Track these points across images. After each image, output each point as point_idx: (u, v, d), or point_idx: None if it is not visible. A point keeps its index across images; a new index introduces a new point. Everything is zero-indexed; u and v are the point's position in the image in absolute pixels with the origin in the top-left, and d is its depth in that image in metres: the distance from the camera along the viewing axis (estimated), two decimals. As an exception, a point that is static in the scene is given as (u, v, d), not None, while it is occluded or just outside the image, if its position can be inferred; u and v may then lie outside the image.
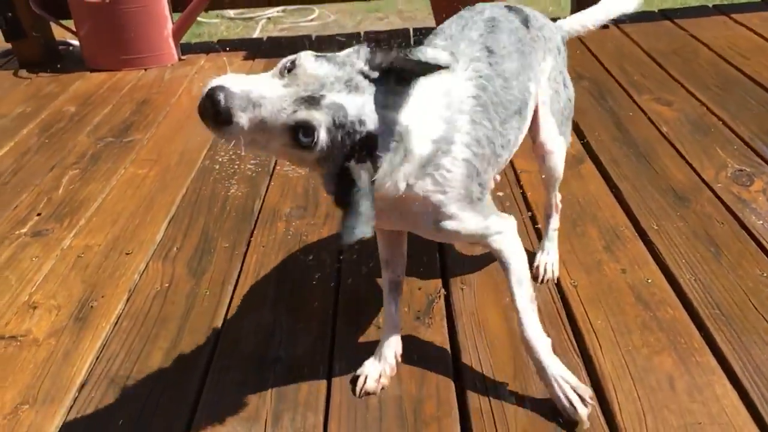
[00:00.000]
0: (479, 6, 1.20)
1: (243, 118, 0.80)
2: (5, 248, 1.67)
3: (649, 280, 1.37)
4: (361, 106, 0.84)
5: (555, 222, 1.44)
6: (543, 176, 1.36)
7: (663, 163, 1.81)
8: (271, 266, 1.53)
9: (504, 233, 1.07)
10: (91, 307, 1.44)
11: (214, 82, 0.80)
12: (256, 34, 4.74)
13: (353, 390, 1.17)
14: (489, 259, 1.45)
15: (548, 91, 1.24)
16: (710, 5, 3.12)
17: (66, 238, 1.69)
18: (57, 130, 2.32)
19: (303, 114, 0.81)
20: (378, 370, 1.17)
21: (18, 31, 2.87)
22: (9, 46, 2.99)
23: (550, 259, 1.41)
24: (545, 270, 1.40)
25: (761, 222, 1.52)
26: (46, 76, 2.81)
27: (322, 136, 0.82)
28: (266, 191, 1.84)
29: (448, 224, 1.00)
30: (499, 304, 1.33)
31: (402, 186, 0.93)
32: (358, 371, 1.18)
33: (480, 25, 1.13)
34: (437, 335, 1.28)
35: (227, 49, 3.07)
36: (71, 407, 1.19)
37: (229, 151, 2.05)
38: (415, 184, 0.94)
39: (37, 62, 2.90)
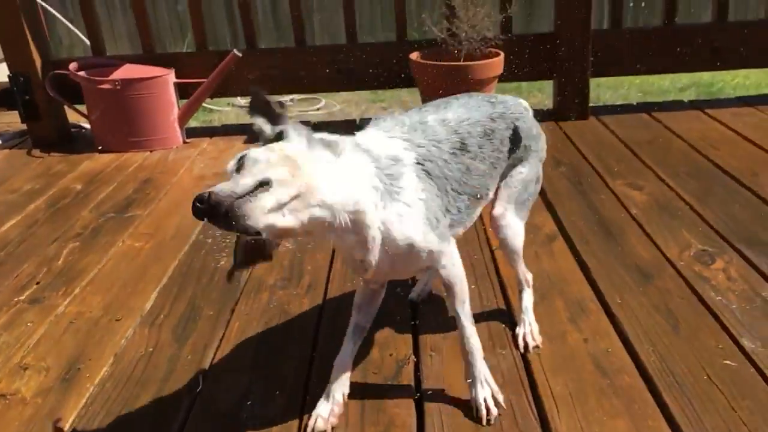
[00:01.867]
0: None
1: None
2: (3, 314, 1.75)
3: (609, 350, 1.44)
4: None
5: (527, 296, 1.53)
6: (502, 250, 1.46)
7: (630, 242, 1.91)
8: (252, 333, 1.60)
9: (452, 257, 1.22)
10: (78, 369, 1.51)
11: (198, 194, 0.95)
12: (260, 121, 4.96)
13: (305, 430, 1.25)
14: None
15: (517, 186, 1.39)
16: (686, 100, 3.32)
17: (61, 305, 1.78)
18: (63, 205, 2.45)
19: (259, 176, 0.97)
20: (327, 410, 1.27)
21: (34, 113, 3.06)
22: (25, 126, 3.17)
23: (529, 330, 1.49)
24: (526, 342, 1.47)
25: (719, 298, 1.60)
26: (57, 155, 2.98)
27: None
28: (254, 264, 1.93)
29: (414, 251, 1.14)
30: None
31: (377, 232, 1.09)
32: (313, 412, 1.27)
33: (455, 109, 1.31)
34: (404, 399, 1.34)
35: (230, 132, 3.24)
36: (50, 463, 1.24)
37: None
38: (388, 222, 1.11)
39: (50, 142, 3.08)
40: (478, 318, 1.38)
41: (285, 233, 1.01)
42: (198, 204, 0.93)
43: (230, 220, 0.93)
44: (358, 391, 1.35)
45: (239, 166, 1.00)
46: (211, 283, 1.84)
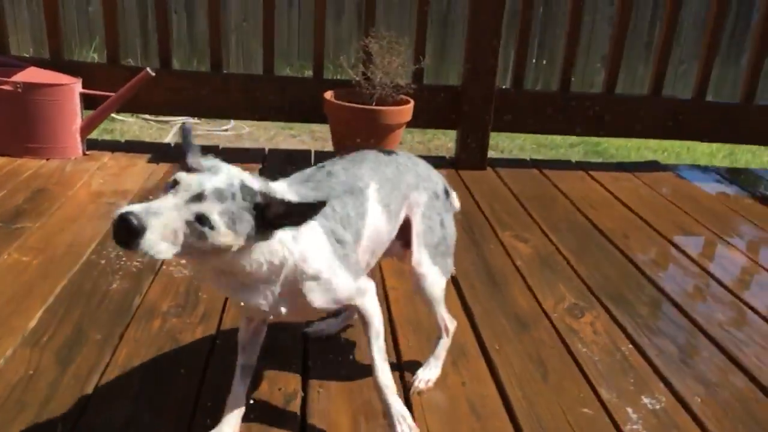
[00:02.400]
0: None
1: (152, 227, 0.95)
2: None
3: (485, 394, 1.55)
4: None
5: (443, 345, 1.59)
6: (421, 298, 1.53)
7: (512, 291, 2.06)
8: (140, 361, 1.59)
9: (368, 294, 1.31)
10: (-51, 389, 1.44)
11: (118, 211, 0.96)
12: (168, 139, 4.87)
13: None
14: (350, 367, 1.59)
15: (421, 225, 1.47)
16: (573, 161, 3.60)
17: (-67, 318, 1.69)
18: (-57, 210, 2.32)
19: (195, 208, 1.00)
20: None
21: None
22: None
23: (428, 375, 1.56)
24: (418, 385, 1.53)
25: (585, 350, 1.76)
26: (-58, 156, 2.82)
27: (218, 223, 1.01)
28: (148, 288, 1.92)
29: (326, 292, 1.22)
30: (351, 407, 1.46)
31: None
32: None
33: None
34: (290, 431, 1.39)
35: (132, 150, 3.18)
36: None
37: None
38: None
39: (-66, 141, 2.90)
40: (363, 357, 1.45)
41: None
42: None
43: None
44: (244, 424, 1.38)
45: (173, 185, 1.04)
46: (101, 306, 1.81)
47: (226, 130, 5.41)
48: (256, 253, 1.11)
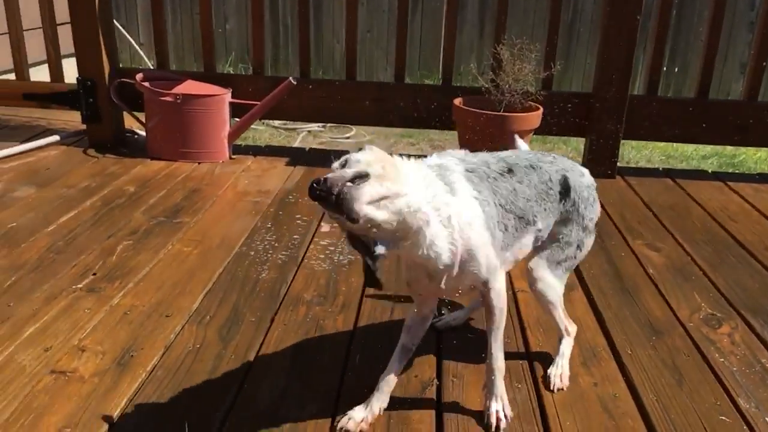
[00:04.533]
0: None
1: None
2: (63, 299, 1.92)
3: (616, 395, 1.57)
4: None
5: (566, 343, 1.65)
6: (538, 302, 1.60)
7: (645, 299, 2.04)
8: (290, 342, 1.75)
9: (501, 286, 1.39)
10: (132, 356, 1.66)
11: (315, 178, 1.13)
12: (295, 144, 5.18)
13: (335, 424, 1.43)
14: (480, 358, 1.67)
15: (555, 245, 1.54)
16: (710, 171, 3.46)
17: (116, 296, 1.94)
18: (116, 205, 2.63)
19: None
20: (362, 416, 1.42)
21: (95, 116, 3.28)
22: (83, 126, 3.38)
23: (558, 372, 1.61)
24: (554, 382, 1.59)
25: (722, 360, 1.72)
26: (112, 158, 3.18)
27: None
28: (293, 279, 2.09)
29: (478, 253, 1.31)
30: (482, 398, 1.53)
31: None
32: (347, 413, 1.43)
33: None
34: (425, 419, 1.48)
35: (273, 153, 3.43)
36: (106, 435, 1.39)
37: (265, 240, 2.34)
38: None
39: (105, 144, 3.28)
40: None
41: (376, 226, 1.16)
42: (315, 185, 1.11)
43: (339, 202, 1.10)
44: (384, 410, 1.49)
45: (344, 164, 1.18)
46: (253, 292, 2.00)
47: (348, 137, 5.67)
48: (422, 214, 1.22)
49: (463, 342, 1.78)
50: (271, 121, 5.58)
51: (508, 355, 1.70)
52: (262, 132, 5.48)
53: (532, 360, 1.70)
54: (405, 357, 1.49)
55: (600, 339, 1.81)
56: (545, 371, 1.63)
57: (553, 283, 1.55)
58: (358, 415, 1.43)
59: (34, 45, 3.39)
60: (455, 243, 1.27)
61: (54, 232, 2.35)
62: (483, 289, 1.39)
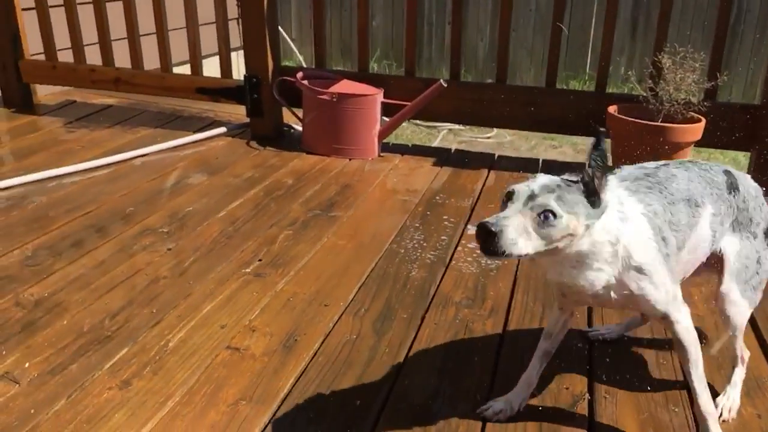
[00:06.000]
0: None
1: (506, 228, 1.14)
2: (234, 281, 2.11)
3: (783, 431, 1.49)
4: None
5: (738, 373, 1.59)
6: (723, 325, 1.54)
7: (817, 332, 1.90)
8: (440, 341, 1.82)
9: (685, 317, 1.35)
10: (295, 340, 1.81)
11: (474, 225, 1.16)
12: (436, 143, 5.26)
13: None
14: (635, 377, 1.64)
15: (736, 264, 1.47)
16: None
17: (279, 283, 2.11)
18: (277, 196, 2.83)
19: (534, 204, 1.16)
20: (500, 408, 1.50)
21: (258, 110, 3.53)
22: (246, 120, 3.65)
23: (729, 404, 1.56)
24: (724, 410, 1.55)
25: None
26: (272, 150, 3.41)
27: (558, 209, 1.16)
28: (441, 279, 2.16)
29: (646, 282, 1.28)
30: (638, 418, 1.52)
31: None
32: (489, 403, 1.52)
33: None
34: (577, 430, 1.49)
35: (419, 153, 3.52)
36: (276, 411, 1.53)
37: (414, 239, 2.42)
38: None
39: (266, 137, 3.53)
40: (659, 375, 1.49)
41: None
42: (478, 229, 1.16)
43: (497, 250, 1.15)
44: (536, 414, 1.52)
45: (508, 198, 1.21)
46: (404, 289, 2.09)
47: (488, 138, 5.66)
48: (594, 235, 1.22)
49: (616, 356, 1.76)
50: (429, 121, 5.68)
51: (666, 377, 1.67)
52: (404, 128, 5.61)
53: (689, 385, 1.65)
54: (546, 360, 1.51)
55: (765, 368, 1.72)
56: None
57: (743, 308, 1.49)
58: (497, 406, 1.51)
59: (204, 39, 3.68)
60: (618, 266, 1.27)
61: (224, 218, 2.58)
62: (664, 323, 1.36)
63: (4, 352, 1.71)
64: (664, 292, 1.31)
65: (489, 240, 1.14)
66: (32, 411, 1.51)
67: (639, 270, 1.27)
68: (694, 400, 1.39)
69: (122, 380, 1.62)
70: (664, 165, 1.43)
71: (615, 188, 1.31)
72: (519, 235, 1.14)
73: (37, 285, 2.04)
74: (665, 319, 1.34)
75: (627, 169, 1.42)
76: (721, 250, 1.46)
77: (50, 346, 1.74)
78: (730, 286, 1.46)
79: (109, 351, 1.73)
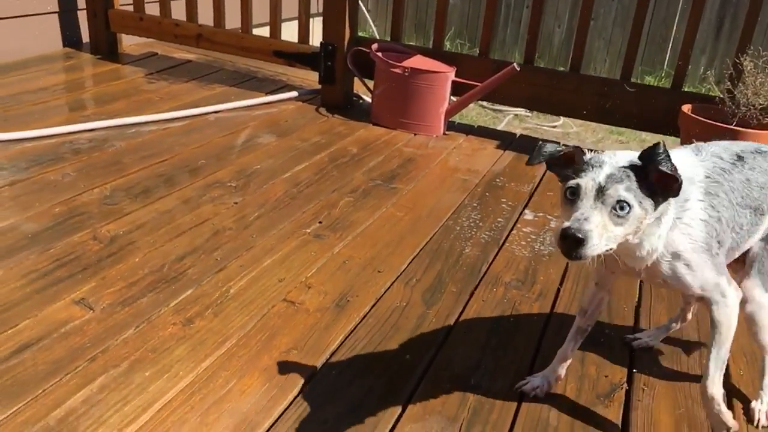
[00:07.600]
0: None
1: (591, 232, 1.14)
2: (294, 239, 2.21)
3: (823, 446, 1.49)
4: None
5: None
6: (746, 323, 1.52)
7: None
8: (487, 317, 1.87)
9: (727, 300, 1.33)
10: (348, 301, 1.89)
11: (563, 230, 1.15)
12: (500, 126, 5.23)
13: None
14: (675, 372, 1.66)
15: (762, 251, 1.44)
16: None
17: (336, 246, 2.19)
18: (341, 163, 2.91)
19: (606, 199, 1.16)
20: (537, 383, 1.55)
21: (330, 78, 3.60)
22: (317, 86, 3.74)
23: (765, 408, 1.56)
24: (759, 417, 1.55)
25: None
26: (339, 118, 3.49)
27: (630, 198, 1.16)
28: (493, 259, 2.20)
29: (684, 270, 1.29)
30: (674, 413, 1.54)
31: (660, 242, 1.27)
32: (527, 378, 1.57)
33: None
34: (611, 418, 1.53)
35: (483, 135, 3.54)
36: (324, 364, 1.62)
37: (470, 218, 2.47)
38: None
39: (335, 105, 3.61)
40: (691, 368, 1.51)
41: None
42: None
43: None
44: (572, 398, 1.56)
45: (573, 194, 1.20)
46: (456, 264, 2.14)
47: (554, 126, 5.59)
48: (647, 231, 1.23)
49: (658, 350, 1.78)
50: (498, 104, 5.66)
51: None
52: (470, 109, 5.59)
53: (731, 391, 1.66)
54: (580, 337, 1.53)
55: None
56: (745, 404, 1.59)
57: (762, 307, 1.45)
58: (535, 381, 1.56)
59: (285, 3, 3.76)
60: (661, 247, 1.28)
61: (289, 179, 2.67)
62: (702, 303, 1.37)
63: (81, 279, 1.86)
64: (702, 277, 1.31)
65: (575, 246, 1.14)
66: (104, 336, 1.64)
67: (679, 257, 1.29)
68: (702, 379, 1.38)
69: (186, 318, 1.74)
70: (739, 160, 1.37)
71: (692, 178, 1.29)
72: (600, 237, 1.15)
73: (113, 223, 2.19)
74: (704, 300, 1.35)
75: (715, 150, 1.38)
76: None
77: (122, 280, 1.88)
78: (753, 281, 1.43)
79: (175, 291, 1.85)
